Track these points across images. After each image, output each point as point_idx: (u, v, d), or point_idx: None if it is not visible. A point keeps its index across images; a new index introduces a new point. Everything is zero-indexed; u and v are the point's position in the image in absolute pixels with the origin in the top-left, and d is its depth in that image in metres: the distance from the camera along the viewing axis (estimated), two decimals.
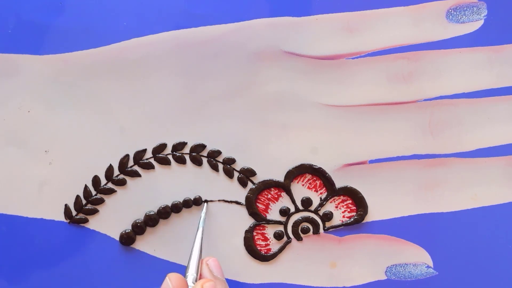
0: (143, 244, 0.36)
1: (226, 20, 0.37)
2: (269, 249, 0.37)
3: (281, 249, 0.37)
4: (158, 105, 0.37)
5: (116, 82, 0.37)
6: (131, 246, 0.36)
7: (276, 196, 0.37)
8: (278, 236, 0.37)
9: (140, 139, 0.37)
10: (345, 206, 0.37)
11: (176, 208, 0.36)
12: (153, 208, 0.36)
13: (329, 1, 0.37)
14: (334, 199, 0.37)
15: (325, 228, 0.37)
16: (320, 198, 0.37)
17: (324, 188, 0.37)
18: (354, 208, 0.37)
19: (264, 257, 0.36)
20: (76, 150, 0.36)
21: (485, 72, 0.37)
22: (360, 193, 0.37)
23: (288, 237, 0.37)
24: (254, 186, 0.37)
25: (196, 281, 0.31)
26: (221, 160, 0.37)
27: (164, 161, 0.37)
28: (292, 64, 0.37)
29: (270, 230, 0.37)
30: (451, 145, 0.37)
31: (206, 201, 0.36)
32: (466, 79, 0.37)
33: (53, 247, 0.36)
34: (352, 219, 0.37)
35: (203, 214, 0.35)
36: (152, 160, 0.37)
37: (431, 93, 0.37)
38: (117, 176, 0.36)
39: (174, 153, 0.37)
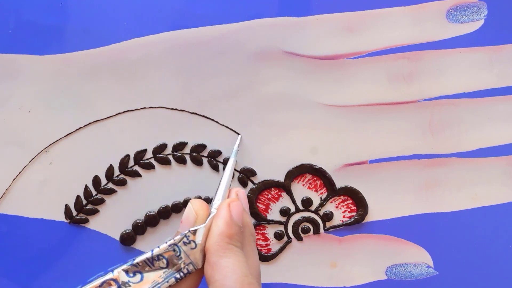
0: (143, 244, 0.36)
1: (226, 20, 0.37)
2: (270, 249, 0.37)
3: (281, 249, 0.37)
4: (159, 105, 0.37)
5: (116, 82, 0.37)
6: (132, 246, 0.36)
7: (277, 196, 0.37)
8: (278, 236, 0.37)
9: (141, 139, 0.37)
10: (345, 206, 0.37)
11: (176, 208, 0.36)
12: (154, 208, 0.36)
13: (329, 1, 0.37)
14: (334, 199, 0.37)
15: (326, 228, 0.37)
16: (321, 198, 0.37)
17: (324, 188, 0.37)
18: (355, 208, 0.37)
19: (264, 257, 0.36)
20: (77, 150, 0.36)
21: (485, 72, 0.37)
22: (361, 193, 0.37)
23: (289, 237, 0.37)
24: (254, 186, 0.37)
25: None
26: (221, 160, 0.37)
27: (165, 161, 0.37)
28: (293, 64, 0.37)
29: (270, 230, 0.37)
30: (451, 145, 0.37)
31: (239, 135, 0.36)
32: (466, 79, 0.37)
33: (53, 247, 0.36)
34: (352, 219, 0.37)
35: (236, 146, 0.35)
36: (152, 160, 0.37)
37: (431, 93, 0.37)
38: (117, 176, 0.36)
39: (175, 153, 0.37)
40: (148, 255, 0.28)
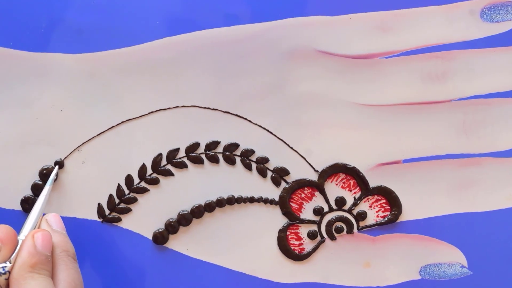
0: (176, 243, 0.36)
1: (259, 19, 0.37)
2: (303, 249, 0.36)
3: (314, 249, 0.36)
4: (192, 103, 0.36)
5: (149, 80, 0.36)
6: (164, 245, 0.36)
7: (310, 196, 0.37)
8: (311, 235, 0.36)
9: (173, 138, 0.36)
10: (379, 206, 0.37)
11: (209, 207, 0.36)
12: (187, 207, 0.36)
13: (362, 0, 0.37)
14: (368, 199, 0.37)
15: (359, 228, 0.37)
16: (354, 198, 0.37)
17: (358, 188, 0.37)
18: (388, 207, 0.37)
19: (297, 257, 0.36)
20: (109, 149, 0.36)
21: None
22: (394, 193, 0.36)
23: (322, 237, 0.37)
24: (287, 186, 0.36)
25: None
26: (254, 159, 0.37)
27: (197, 160, 0.36)
28: (326, 64, 0.37)
29: (303, 230, 0.37)
30: (485, 145, 0.37)
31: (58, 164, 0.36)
32: (500, 78, 0.37)
33: (85, 246, 0.36)
34: (386, 219, 0.37)
35: (53, 175, 0.35)
36: (185, 159, 0.36)
37: (465, 92, 0.37)
38: (150, 175, 0.36)
39: (207, 152, 0.37)
40: None
